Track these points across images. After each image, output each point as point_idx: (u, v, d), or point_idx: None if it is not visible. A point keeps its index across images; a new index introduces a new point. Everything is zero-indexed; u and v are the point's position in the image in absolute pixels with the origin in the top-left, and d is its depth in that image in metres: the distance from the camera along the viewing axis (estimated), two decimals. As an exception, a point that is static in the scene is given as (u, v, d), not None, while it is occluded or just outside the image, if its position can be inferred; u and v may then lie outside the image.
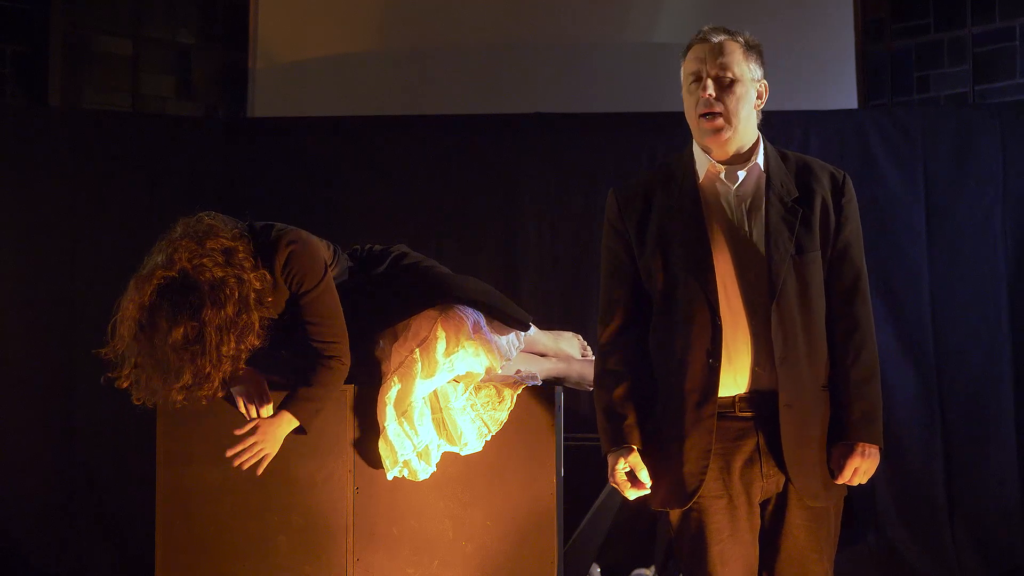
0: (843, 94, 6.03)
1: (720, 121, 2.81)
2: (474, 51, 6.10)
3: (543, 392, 3.31)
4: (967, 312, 5.42)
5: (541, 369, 3.58)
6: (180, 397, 3.07)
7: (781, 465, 2.78)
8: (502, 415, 3.23)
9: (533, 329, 3.54)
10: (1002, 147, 5.41)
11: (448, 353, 3.23)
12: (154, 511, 3.29)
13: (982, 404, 5.41)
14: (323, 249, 3.29)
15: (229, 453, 3.20)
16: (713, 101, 2.80)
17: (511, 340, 3.40)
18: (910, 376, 5.39)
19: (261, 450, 3.21)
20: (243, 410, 3.22)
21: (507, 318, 3.35)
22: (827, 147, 5.43)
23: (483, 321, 3.33)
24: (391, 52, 6.15)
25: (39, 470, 5.33)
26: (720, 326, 2.75)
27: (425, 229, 5.47)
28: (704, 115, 2.82)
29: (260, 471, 3.23)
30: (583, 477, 3.99)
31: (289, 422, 3.21)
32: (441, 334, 3.25)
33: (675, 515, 2.86)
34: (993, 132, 5.42)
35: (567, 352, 3.73)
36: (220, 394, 3.14)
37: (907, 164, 5.47)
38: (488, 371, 3.31)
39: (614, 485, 2.86)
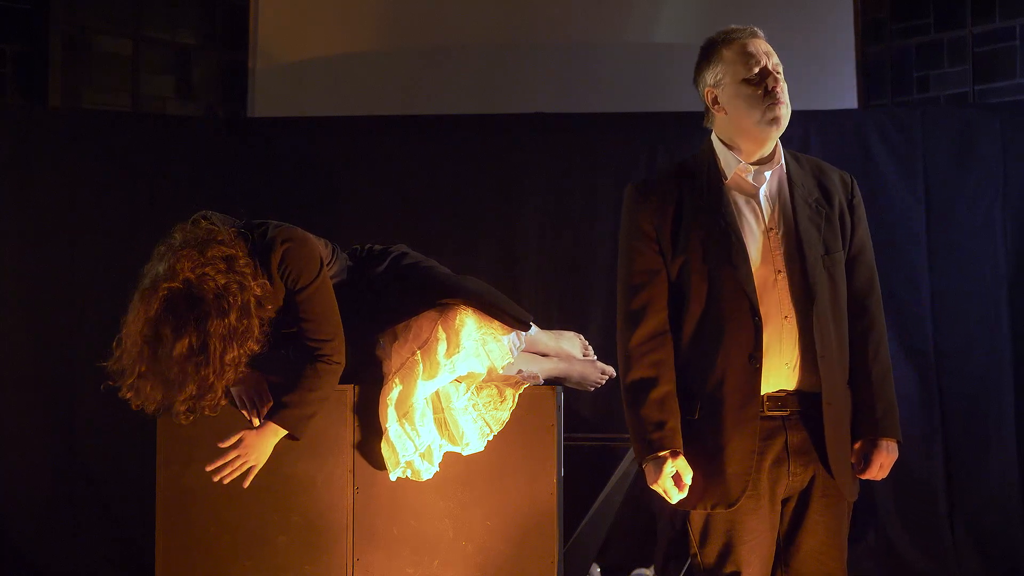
0: (843, 94, 6.03)
1: (786, 109, 2.82)
2: (474, 51, 6.10)
3: (544, 392, 3.30)
4: (967, 312, 5.41)
5: (542, 369, 3.57)
6: (183, 408, 3.07)
7: (824, 462, 2.80)
8: (504, 415, 3.22)
9: (534, 329, 3.53)
10: (1002, 147, 5.41)
11: (449, 354, 3.22)
12: (154, 511, 3.29)
13: (982, 404, 5.40)
14: (320, 247, 3.28)
15: (209, 468, 3.18)
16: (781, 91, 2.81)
17: (512, 340, 3.39)
18: (910, 377, 5.37)
19: (244, 463, 3.19)
20: (241, 409, 3.22)
21: (508, 318, 3.34)
22: (827, 147, 5.42)
23: (484, 321, 3.32)
24: (391, 52, 6.15)
25: (40, 470, 5.33)
26: (761, 326, 2.76)
27: (425, 229, 5.46)
28: (775, 103, 2.80)
29: (247, 483, 3.21)
30: (583, 477, 3.98)
31: (275, 432, 3.18)
32: (442, 335, 3.24)
33: (700, 514, 2.85)
34: (993, 132, 5.41)
35: (568, 352, 3.72)
36: (223, 403, 3.13)
37: (907, 164, 5.46)
38: (490, 371, 3.30)
39: (657, 490, 2.81)
